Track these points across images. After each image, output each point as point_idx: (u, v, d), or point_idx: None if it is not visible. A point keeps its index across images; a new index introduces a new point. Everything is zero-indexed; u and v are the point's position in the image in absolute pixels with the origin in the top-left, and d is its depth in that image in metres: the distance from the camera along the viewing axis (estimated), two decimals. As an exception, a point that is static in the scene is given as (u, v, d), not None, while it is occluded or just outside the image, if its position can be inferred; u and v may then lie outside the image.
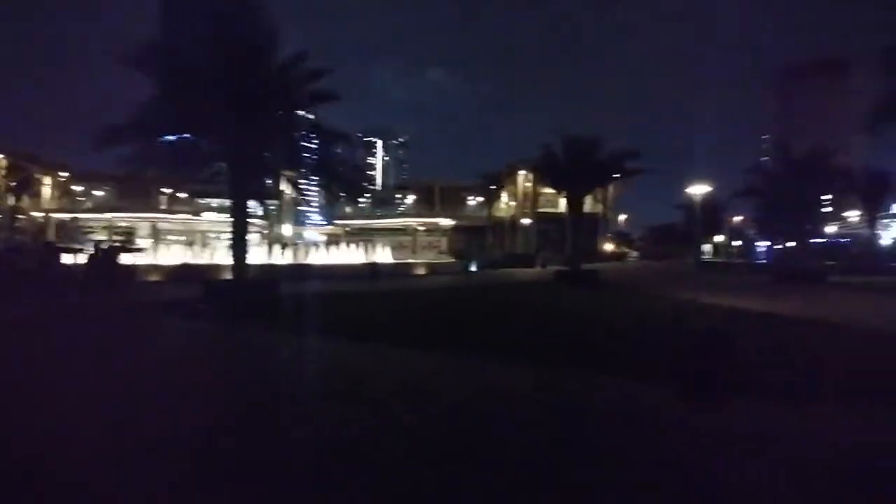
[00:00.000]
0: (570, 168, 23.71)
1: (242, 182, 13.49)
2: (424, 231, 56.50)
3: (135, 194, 48.30)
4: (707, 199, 33.73)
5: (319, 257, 30.44)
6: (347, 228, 58.54)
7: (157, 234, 46.72)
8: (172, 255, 27.39)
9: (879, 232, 48.65)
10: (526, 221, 53.93)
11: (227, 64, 12.52)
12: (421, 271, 30.78)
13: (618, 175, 28.42)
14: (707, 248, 60.38)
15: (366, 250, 32.21)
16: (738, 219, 61.36)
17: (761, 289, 20.33)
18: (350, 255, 31.39)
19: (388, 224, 58.35)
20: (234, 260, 13.67)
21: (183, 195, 50.94)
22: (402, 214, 61.51)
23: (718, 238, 61.22)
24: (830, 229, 57.58)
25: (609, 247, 64.42)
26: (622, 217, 75.92)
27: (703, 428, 4.60)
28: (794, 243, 30.60)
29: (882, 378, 6.37)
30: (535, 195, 55.80)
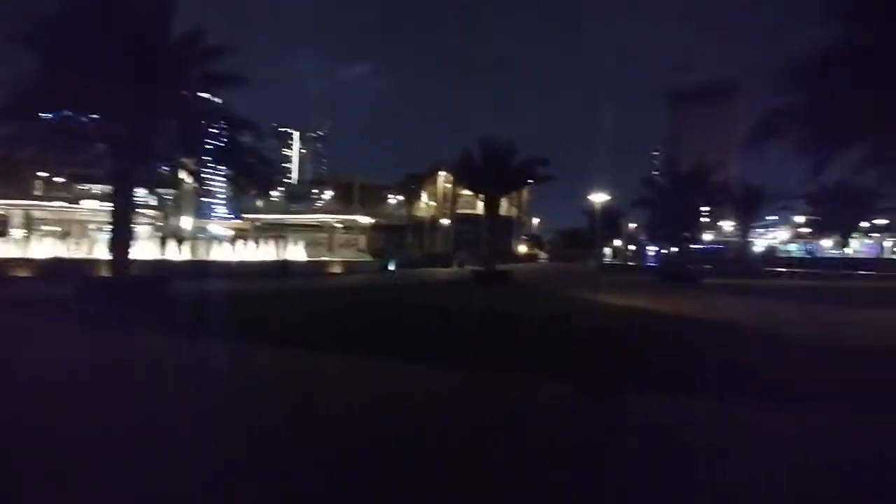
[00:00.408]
0: (487, 172, 24.57)
1: (126, 166, 12.16)
2: (342, 228, 55.05)
3: (7, 178, 41.44)
4: (607, 206, 36.68)
5: (223, 253, 28.25)
6: (257, 223, 55.17)
7: (30, 224, 40.62)
8: (45, 247, 23.95)
9: (752, 240, 55.97)
10: (445, 222, 54.83)
11: (113, 36, 11.25)
12: (337, 270, 29.96)
13: (531, 181, 29.99)
14: (608, 251, 65.56)
15: (277, 247, 30.50)
16: (633, 225, 67.36)
17: (648, 289, 22.60)
18: (259, 251, 29.54)
19: (303, 220, 55.83)
20: (114, 254, 12.29)
21: (61, 180, 44.70)
22: (319, 210, 59.35)
23: (617, 242, 66.66)
24: (708, 237, 65.46)
25: (523, 248, 67.54)
26: (535, 221, 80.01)
27: (600, 419, 5.05)
28: (676, 249, 34.24)
29: (740, 369, 7.35)
30: (455, 196, 56.90)
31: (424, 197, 60.04)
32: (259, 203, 55.16)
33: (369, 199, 58.19)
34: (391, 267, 34.10)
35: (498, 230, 29.83)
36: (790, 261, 52.30)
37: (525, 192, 57.16)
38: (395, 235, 54.72)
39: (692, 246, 55.52)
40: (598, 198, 21.08)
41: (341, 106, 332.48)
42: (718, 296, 19.76)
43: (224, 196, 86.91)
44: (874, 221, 51.68)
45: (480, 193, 26.80)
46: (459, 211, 56.99)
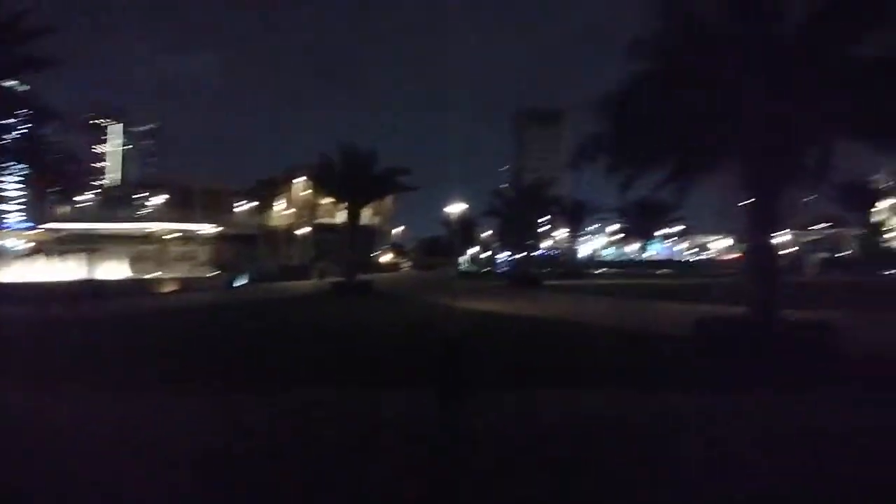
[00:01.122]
0: (348, 179, 24.19)
1: None
2: (177, 239, 48.07)
3: None
4: (464, 216, 39.15)
5: (12, 272, 22.60)
6: (62, 234, 44.81)
7: None
8: None
9: (578, 246, 64.83)
10: (303, 231, 51.90)
11: None
12: (170, 288, 26.22)
13: (393, 190, 30.40)
14: (465, 258, 69.69)
15: (88, 263, 25.12)
16: (487, 234, 72.94)
17: (499, 293, 24.69)
18: (63, 268, 24.15)
19: (125, 229, 46.79)
20: None
21: None
22: (147, 218, 50.81)
23: (473, 250, 71.36)
24: (546, 244, 74.11)
25: (385, 258, 67.84)
26: (398, 230, 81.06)
27: (454, 425, 5.29)
28: (521, 255, 38.02)
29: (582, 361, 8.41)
30: (314, 204, 54.21)
31: (280, 204, 56.38)
32: (65, 209, 45.27)
33: (213, 205, 52.34)
34: (240, 282, 31.21)
35: (360, 240, 29.50)
36: (607, 263, 61.97)
37: (388, 201, 57.44)
38: (245, 247, 50.14)
39: (535, 252, 62.66)
40: (455, 208, 22.33)
41: (180, 100, 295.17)
42: (554, 295, 22.51)
43: (20, 201, 69.62)
44: (669, 229, 64.05)
45: (341, 202, 26.28)
46: (319, 220, 54.60)
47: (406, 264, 71.76)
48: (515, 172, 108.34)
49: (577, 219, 50.29)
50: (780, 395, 6.02)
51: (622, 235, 63.71)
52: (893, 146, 8.29)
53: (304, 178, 48.70)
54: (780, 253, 10.21)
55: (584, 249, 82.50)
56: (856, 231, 54.40)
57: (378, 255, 61.63)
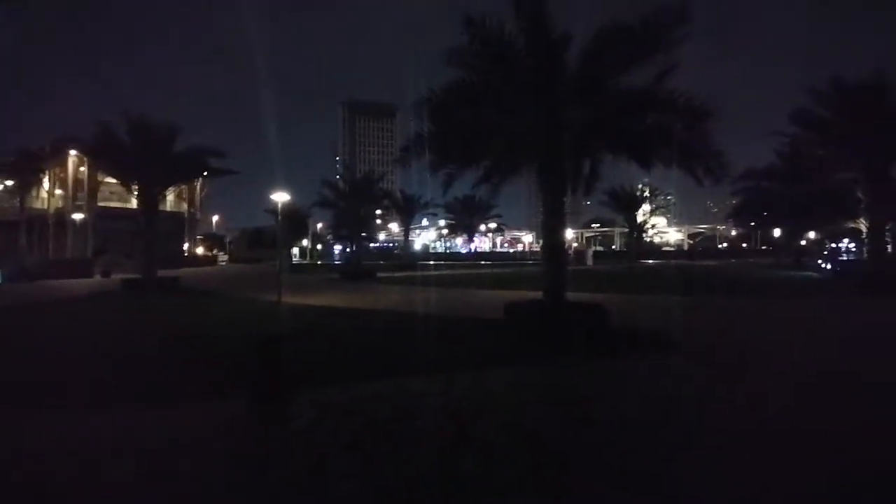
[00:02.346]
0: (139, 157, 20.36)
1: None
2: None
3: None
4: (293, 206, 36.79)
5: None
6: None
7: None
8: None
9: (412, 239, 67.06)
10: (79, 217, 41.61)
11: None
12: None
13: (204, 173, 26.75)
14: (296, 251, 65.83)
15: None
16: (319, 225, 70.18)
17: (331, 286, 23.96)
18: None
19: None
20: None
21: None
22: None
23: (305, 242, 67.89)
24: (381, 236, 75.02)
25: (200, 250, 59.89)
26: (215, 218, 72.26)
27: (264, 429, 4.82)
28: (356, 247, 37.64)
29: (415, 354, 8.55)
30: (94, 185, 44.07)
31: (48, 184, 44.80)
32: None
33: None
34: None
35: (159, 229, 25.23)
36: (437, 255, 65.72)
37: (199, 185, 50.41)
38: (1, 236, 38.74)
39: (371, 244, 62.72)
40: (280, 197, 20.72)
41: None
42: (387, 287, 22.82)
43: None
44: (489, 224, 70.64)
45: (131, 183, 22.08)
46: (103, 204, 44.70)
47: (223, 258, 64.33)
48: (347, 164, 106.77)
49: (409, 212, 51.85)
50: (562, 360, 7.23)
51: (450, 230, 68.09)
52: (647, 162, 10.45)
53: (76, 151, 39.43)
54: (569, 246, 12.23)
55: (418, 242, 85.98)
56: (623, 230, 68.20)
57: (192, 247, 54.06)
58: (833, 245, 52.56)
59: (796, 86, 19.97)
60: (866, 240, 21.90)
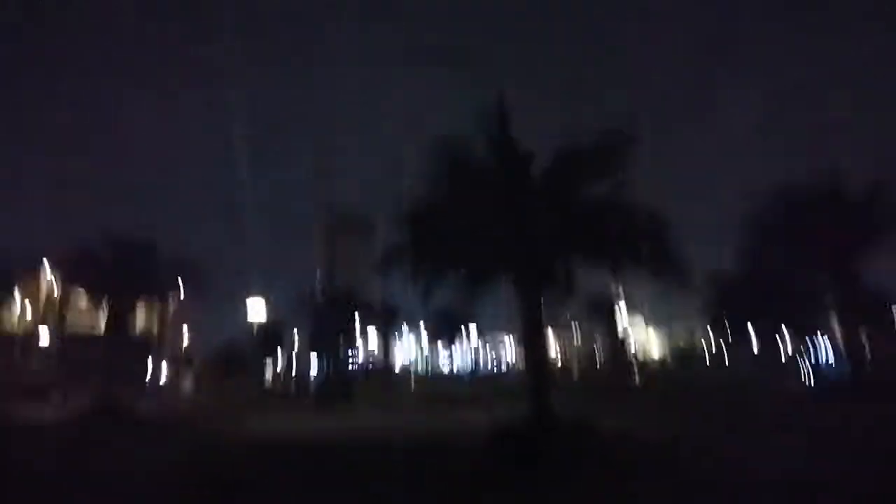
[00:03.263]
0: (115, 273, 19.98)
1: None
2: None
3: None
4: (269, 322, 35.98)
5: None
6: None
7: None
8: None
9: (393, 353, 65.12)
10: (45, 339, 39.41)
11: None
12: None
13: (176, 289, 26.25)
14: (271, 370, 62.57)
15: None
16: (297, 341, 67.84)
17: (305, 409, 22.40)
18: None
19: None
20: None
21: None
22: None
23: (281, 359, 64.87)
24: (361, 351, 72.54)
25: (166, 372, 56.42)
26: (185, 337, 69.42)
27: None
28: (332, 363, 36.24)
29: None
30: (63, 303, 42.43)
31: (18, 304, 42.96)
32: None
33: None
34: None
35: (129, 353, 23.99)
36: (418, 370, 63.41)
37: (172, 301, 48.98)
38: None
39: (350, 359, 60.26)
40: (257, 313, 20.28)
41: None
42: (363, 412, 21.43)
43: None
44: (471, 330, 69.40)
45: (101, 302, 21.38)
46: (72, 326, 42.82)
47: (189, 381, 60.01)
48: (327, 276, 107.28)
49: (388, 325, 51.12)
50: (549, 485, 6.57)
51: (430, 340, 66.75)
52: (615, 268, 10.74)
53: (52, 269, 38.64)
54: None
55: (399, 355, 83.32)
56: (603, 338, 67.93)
57: (156, 372, 50.91)
58: (813, 345, 52.90)
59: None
60: (842, 344, 21.65)
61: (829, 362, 36.65)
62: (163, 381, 51.91)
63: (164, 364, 56.35)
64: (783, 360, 37.33)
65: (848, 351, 20.42)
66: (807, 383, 26.34)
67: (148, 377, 46.56)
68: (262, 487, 7.55)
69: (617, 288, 55.02)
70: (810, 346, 53.46)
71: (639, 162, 9.58)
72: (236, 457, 11.00)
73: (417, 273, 10.53)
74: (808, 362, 31.79)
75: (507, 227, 9.45)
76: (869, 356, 21.75)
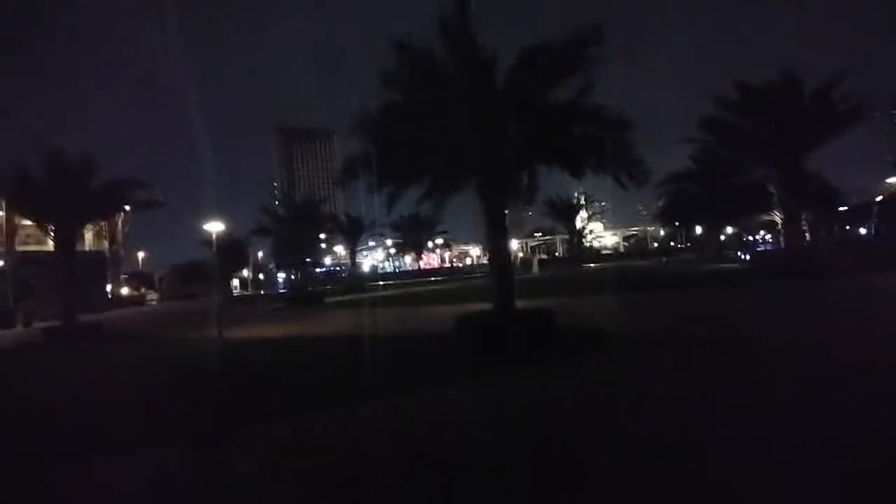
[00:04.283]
0: (56, 195, 18.78)
1: None
2: None
3: None
4: (229, 236, 35.18)
5: None
6: None
7: None
8: None
9: (359, 261, 66.03)
10: (-1, 263, 37.65)
11: None
12: None
13: (126, 206, 25.02)
14: (236, 283, 62.77)
15: None
16: (260, 254, 67.44)
17: (275, 315, 22.99)
18: None
19: None
20: None
21: None
22: None
23: (245, 272, 64.91)
24: (327, 260, 73.23)
25: (125, 290, 55.70)
26: (140, 255, 67.59)
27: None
28: (300, 273, 36.54)
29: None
30: (12, 229, 40.27)
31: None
32: None
33: None
34: None
35: (82, 271, 23.25)
36: (386, 275, 65.10)
37: (121, 220, 47.00)
38: None
39: (316, 269, 60.96)
40: (214, 227, 19.75)
41: None
42: (335, 312, 22.21)
43: None
44: (436, 240, 71.04)
45: (48, 224, 20.29)
46: (22, 248, 40.88)
47: (153, 297, 59.78)
48: (286, 189, 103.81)
49: (354, 234, 51.15)
50: (515, 368, 7.40)
51: (397, 249, 67.78)
52: (578, 171, 10.97)
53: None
54: (515, 256, 12.53)
55: (366, 263, 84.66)
56: (564, 237, 70.96)
57: (115, 288, 50.12)
58: (750, 238, 57.57)
59: (708, 94, 21.64)
60: (781, 231, 23.93)
61: (766, 249, 40.16)
62: (124, 296, 51.36)
63: (122, 280, 55.36)
64: (723, 249, 40.49)
65: (786, 238, 22.51)
66: (739, 267, 29.01)
67: (108, 293, 45.91)
68: (248, 374, 8.03)
69: (577, 189, 56.30)
70: (750, 237, 57.87)
71: (603, 64, 9.33)
72: (213, 354, 11.52)
73: (379, 182, 10.41)
74: (746, 251, 34.74)
75: (470, 132, 9.29)
76: (805, 243, 24.09)
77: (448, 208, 11.64)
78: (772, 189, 22.04)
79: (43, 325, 22.47)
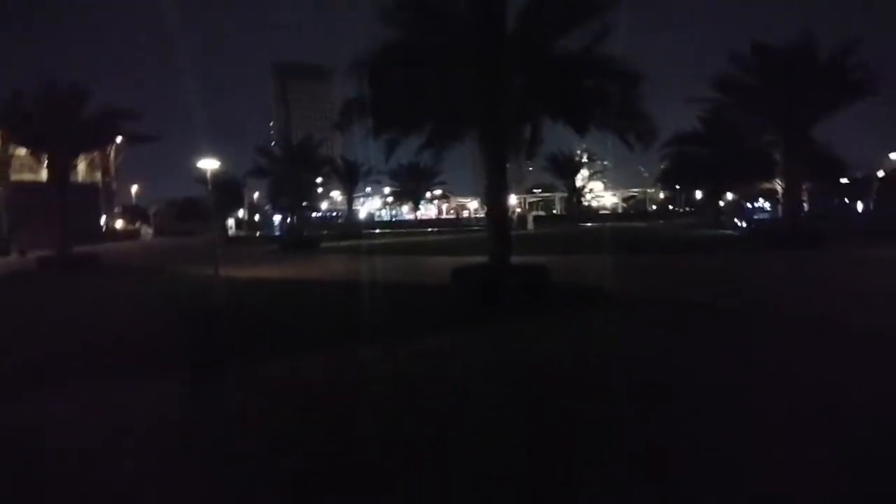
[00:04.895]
0: (46, 124, 18.31)
1: None
2: None
3: None
4: (224, 174, 34.54)
5: None
6: None
7: None
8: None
9: (356, 208, 65.57)
10: (-8, 193, 36.87)
11: None
12: None
13: (116, 138, 24.39)
14: (232, 222, 62.35)
15: None
16: (256, 195, 66.60)
17: (272, 258, 23.07)
18: None
19: None
20: None
21: None
22: None
23: (241, 213, 64.40)
24: (323, 205, 72.72)
25: (119, 224, 55.36)
26: (134, 188, 66.61)
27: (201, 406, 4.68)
28: (296, 217, 36.31)
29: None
30: (5, 157, 39.14)
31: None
32: None
33: None
34: None
35: (76, 202, 23.05)
36: (384, 224, 64.90)
37: (113, 153, 45.85)
38: None
39: (313, 214, 60.52)
40: (208, 164, 19.33)
41: None
42: (330, 257, 22.33)
43: None
44: (435, 191, 70.38)
45: (41, 152, 19.88)
46: (16, 178, 39.96)
47: (148, 231, 59.49)
48: (282, 130, 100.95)
49: (351, 180, 50.41)
50: (507, 320, 7.54)
51: (395, 198, 67.13)
52: (583, 126, 10.68)
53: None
54: (513, 212, 12.49)
55: (362, 211, 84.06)
56: (563, 194, 70.45)
57: (109, 221, 49.76)
58: (749, 205, 57.40)
59: (722, 53, 20.87)
60: (781, 199, 23.73)
61: (763, 218, 40.16)
62: (118, 229, 51.14)
63: (117, 213, 54.92)
64: (722, 215, 40.40)
65: (785, 207, 22.36)
66: (733, 233, 29.12)
67: (102, 226, 45.65)
68: (245, 312, 8.16)
69: (581, 147, 55.26)
70: (749, 205, 57.68)
71: (617, 14, 8.85)
72: (210, 291, 11.64)
73: (378, 127, 10.09)
74: (744, 218, 34.81)
75: (474, 79, 8.91)
76: (805, 211, 24.01)
77: (448, 159, 11.43)
78: (777, 156, 21.71)
79: (36, 254, 22.44)
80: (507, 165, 9.79)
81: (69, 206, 20.17)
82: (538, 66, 9.01)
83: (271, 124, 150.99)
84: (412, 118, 10.12)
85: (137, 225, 60.06)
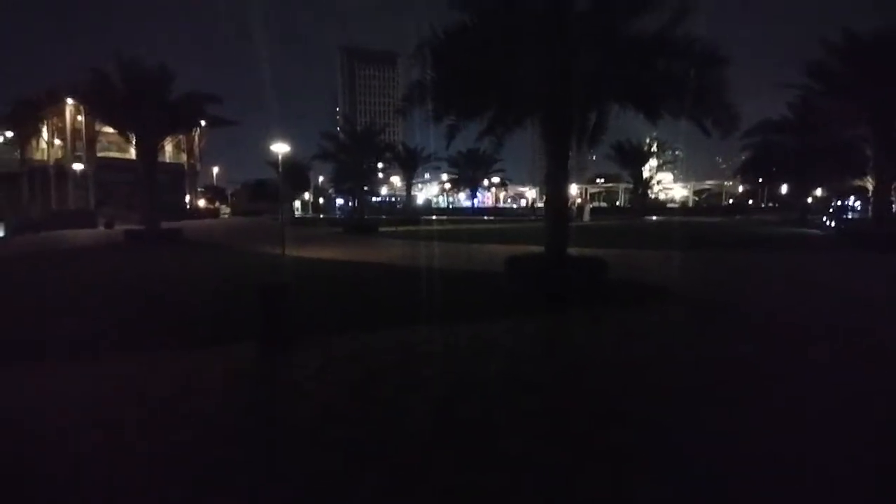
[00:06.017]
0: (133, 103, 19.91)
1: None
2: None
3: None
4: (293, 158, 36.30)
5: None
6: None
7: None
8: None
9: (415, 193, 66.65)
10: (79, 167, 41.23)
11: None
12: None
13: (200, 121, 26.20)
14: (298, 204, 65.54)
15: None
16: (321, 178, 69.54)
17: (334, 240, 24.06)
18: None
19: None
20: None
21: None
22: None
23: (307, 195, 67.49)
24: (383, 190, 74.49)
25: (201, 203, 59.78)
26: (215, 169, 71.58)
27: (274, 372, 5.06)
28: (357, 201, 37.45)
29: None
30: (92, 135, 43.24)
31: (46, 135, 44.05)
32: None
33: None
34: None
35: (162, 181, 25.16)
36: (440, 210, 65.41)
37: (197, 135, 49.38)
38: (2, 189, 38.62)
39: (373, 198, 62.30)
40: (280, 148, 20.37)
41: None
42: (389, 241, 22.92)
43: None
44: (493, 179, 69.86)
45: (128, 132, 21.74)
46: (103, 154, 44.12)
47: (226, 210, 64.04)
48: (347, 115, 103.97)
49: (411, 166, 51.14)
50: (560, 311, 7.45)
51: (452, 184, 67.35)
52: (655, 113, 10.13)
53: (72, 100, 38.27)
54: (573, 202, 12.12)
55: (421, 196, 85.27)
56: (628, 185, 67.35)
57: (193, 199, 53.88)
58: (839, 203, 52.08)
59: (814, 41, 19.00)
60: (871, 199, 21.62)
61: (849, 217, 36.36)
62: (200, 208, 55.22)
63: (199, 193, 59.28)
64: (809, 213, 36.95)
65: (875, 207, 20.39)
66: (820, 233, 26.56)
67: (186, 204, 49.54)
68: (310, 290, 8.67)
69: (651, 134, 52.41)
70: (839, 202, 52.34)
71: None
72: (277, 267, 12.43)
73: (441, 112, 10.12)
74: (832, 217, 31.63)
75: (540, 62, 8.66)
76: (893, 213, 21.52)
77: (507, 148, 11.26)
78: (868, 152, 19.87)
79: (124, 227, 24.70)
80: (570, 153, 9.51)
81: (157, 183, 22.04)
82: (610, 47, 8.61)
83: (337, 109, 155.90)
84: (475, 103, 10.06)
85: (217, 204, 64.66)
